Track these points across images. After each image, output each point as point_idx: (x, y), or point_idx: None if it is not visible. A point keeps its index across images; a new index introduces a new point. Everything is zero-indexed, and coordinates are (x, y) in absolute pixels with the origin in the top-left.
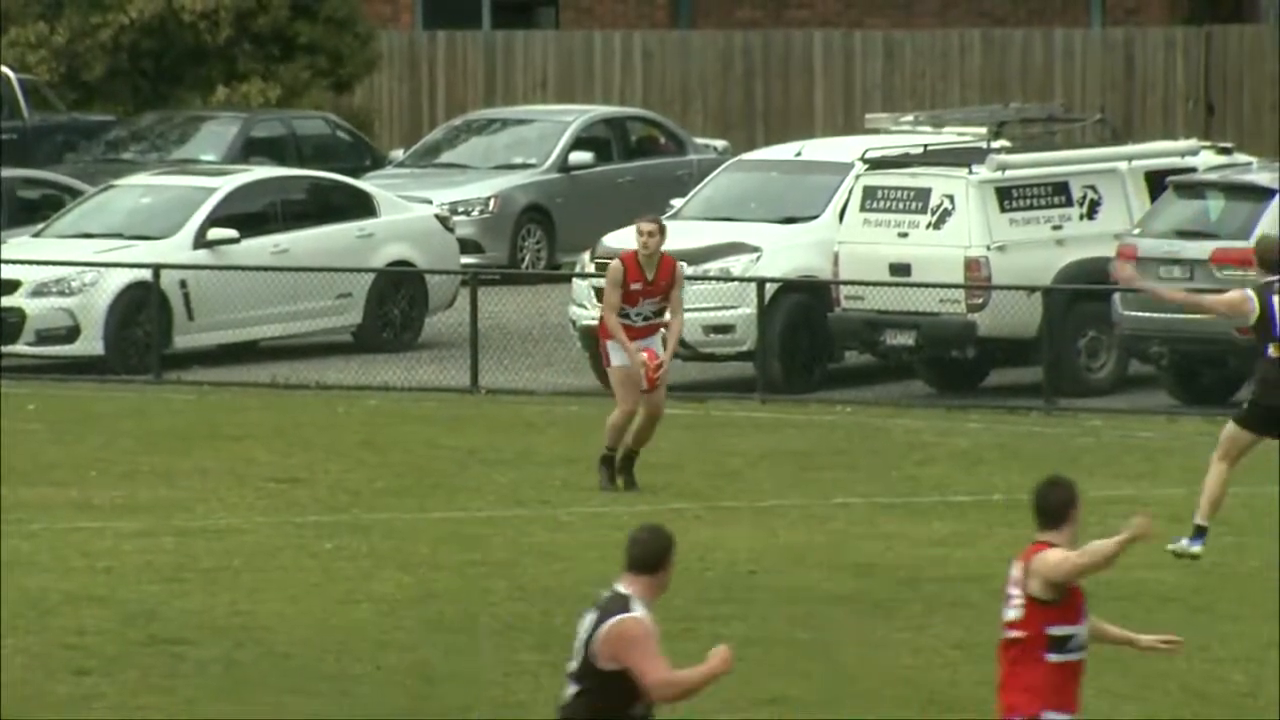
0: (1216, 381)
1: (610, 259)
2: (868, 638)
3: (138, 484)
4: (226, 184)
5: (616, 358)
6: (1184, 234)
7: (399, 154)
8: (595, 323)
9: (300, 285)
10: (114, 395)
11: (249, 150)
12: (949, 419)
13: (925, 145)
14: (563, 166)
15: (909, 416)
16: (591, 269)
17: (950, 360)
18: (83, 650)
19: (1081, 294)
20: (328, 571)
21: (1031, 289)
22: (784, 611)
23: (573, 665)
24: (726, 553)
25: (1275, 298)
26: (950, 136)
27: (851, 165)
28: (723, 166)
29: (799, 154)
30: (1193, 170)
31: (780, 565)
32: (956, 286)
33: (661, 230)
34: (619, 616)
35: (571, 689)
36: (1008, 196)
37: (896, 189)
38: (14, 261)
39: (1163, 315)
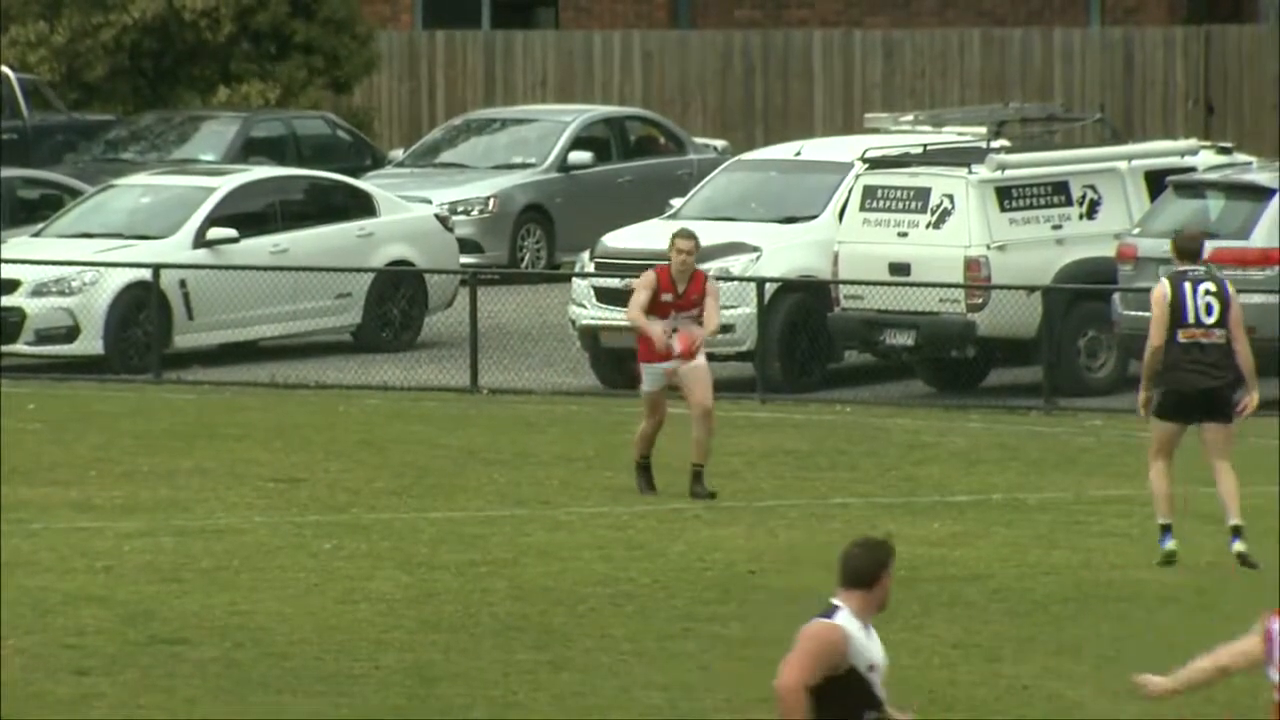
0: None
1: (609, 258)
2: None
3: (137, 484)
4: (226, 184)
5: (647, 383)
6: None
7: (398, 154)
8: (594, 322)
9: (300, 285)
10: (114, 395)
11: (249, 150)
12: (948, 419)
13: (925, 145)
14: (562, 166)
15: (908, 416)
16: (591, 269)
17: (950, 360)
18: (83, 650)
19: (1081, 294)
20: (327, 571)
21: (1031, 289)
22: (783, 611)
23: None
24: (726, 553)
25: (1187, 285)
26: (950, 136)
27: (851, 165)
28: (722, 166)
29: (798, 154)
30: (1192, 170)
31: (779, 565)
32: (956, 286)
33: (698, 246)
34: (814, 619)
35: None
36: (1007, 196)
37: (896, 189)
38: (14, 261)
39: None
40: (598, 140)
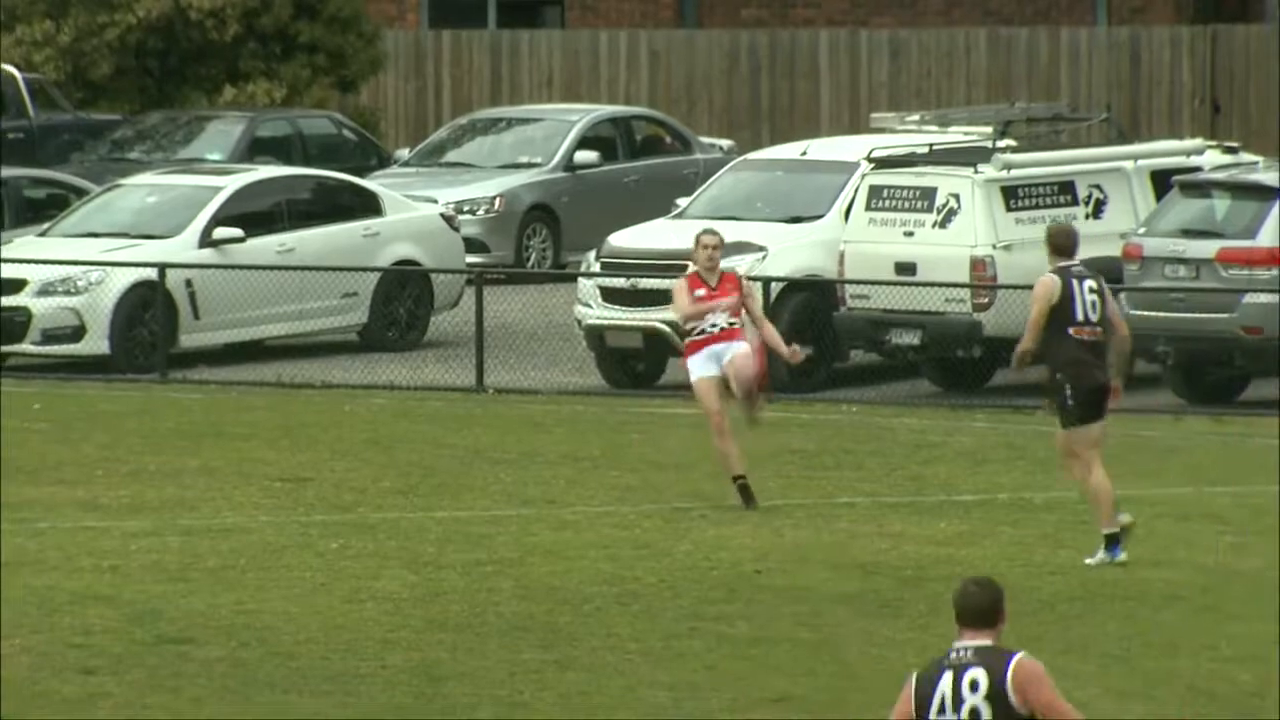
0: (1222, 380)
1: (615, 258)
2: (872, 637)
3: (143, 483)
4: (232, 183)
5: (695, 370)
6: (1189, 233)
7: (404, 153)
8: (600, 322)
9: (306, 284)
10: (120, 394)
11: (254, 149)
12: (955, 418)
13: (931, 145)
14: (568, 166)
15: (914, 416)
16: (597, 268)
17: (956, 359)
18: (89, 649)
19: None
20: (333, 570)
21: None
22: (789, 611)
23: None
24: (731, 552)
25: (1074, 283)
26: (956, 136)
27: (856, 165)
28: (728, 166)
29: (804, 153)
30: (1198, 170)
31: (785, 565)
32: (962, 286)
33: (722, 242)
34: (1018, 655)
35: None
36: (1013, 196)
37: (902, 188)
38: (20, 260)
39: (1169, 314)
40: (604, 140)
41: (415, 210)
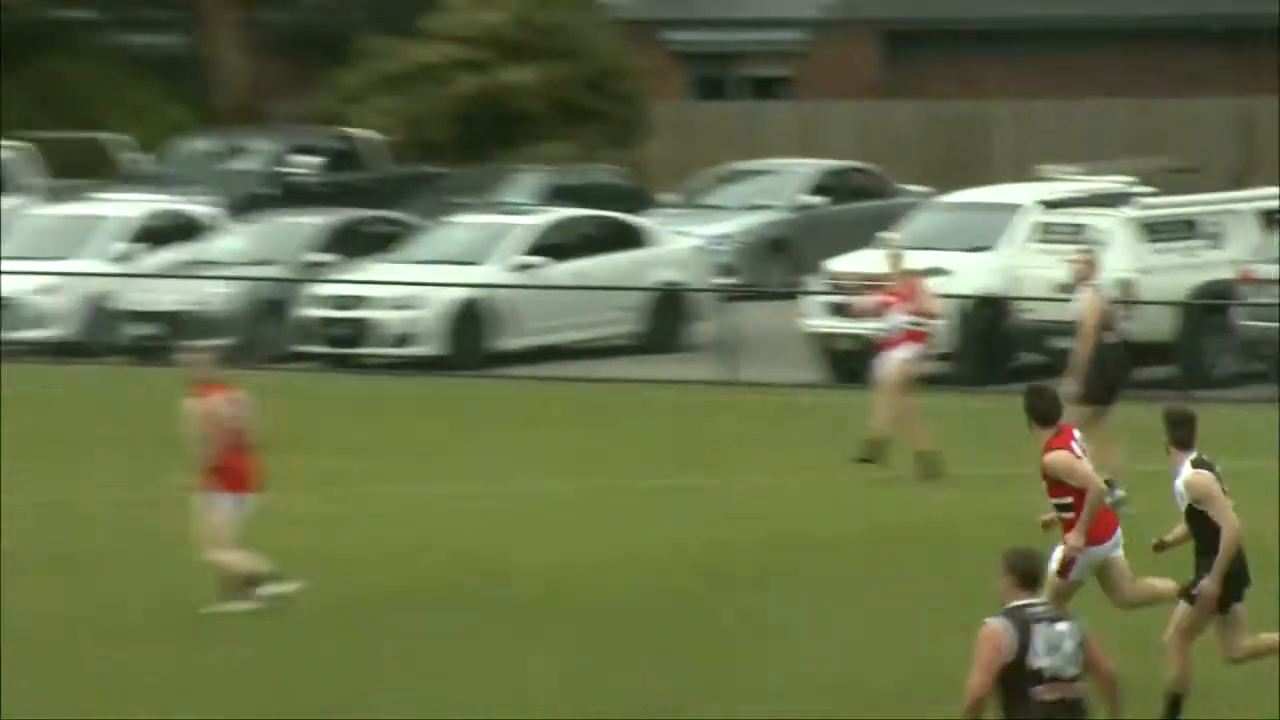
0: None
1: (835, 279)
2: None
3: (476, 455)
4: (537, 221)
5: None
6: None
7: (670, 198)
8: (824, 330)
9: (593, 300)
10: (450, 386)
11: (553, 195)
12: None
13: (1087, 191)
14: (800, 207)
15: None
16: (821, 288)
17: None
18: (422, 588)
19: (1209, 308)
20: (627, 526)
21: (1170, 303)
22: None
23: (1067, 668)
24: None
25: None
26: (1105, 184)
27: (1019, 206)
28: (922, 207)
29: (980, 199)
30: None
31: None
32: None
33: (900, 256)
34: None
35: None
36: (1152, 230)
37: (1063, 225)
38: (370, 282)
39: (1275, 324)
40: (827, 187)
41: (678, 242)
